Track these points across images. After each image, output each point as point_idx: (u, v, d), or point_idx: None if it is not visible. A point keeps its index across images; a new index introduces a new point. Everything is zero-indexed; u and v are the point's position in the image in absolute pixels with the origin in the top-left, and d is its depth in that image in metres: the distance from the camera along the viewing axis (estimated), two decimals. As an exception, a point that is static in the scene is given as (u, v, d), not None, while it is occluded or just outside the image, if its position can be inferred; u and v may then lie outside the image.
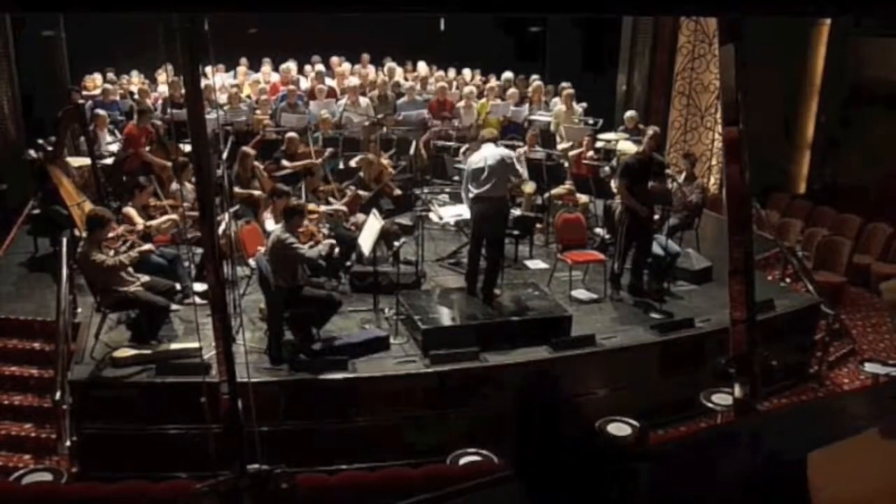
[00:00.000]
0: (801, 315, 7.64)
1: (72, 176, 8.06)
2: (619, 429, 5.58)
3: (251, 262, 6.96)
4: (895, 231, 10.11)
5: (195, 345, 5.63)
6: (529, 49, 14.68)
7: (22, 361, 6.58)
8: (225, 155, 7.88)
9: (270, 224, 7.35)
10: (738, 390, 4.08)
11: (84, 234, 6.45)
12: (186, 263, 7.00)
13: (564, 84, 11.42)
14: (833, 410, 3.02)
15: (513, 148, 8.79)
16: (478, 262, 7.28)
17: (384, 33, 12.84)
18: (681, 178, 8.64)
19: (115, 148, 9.38)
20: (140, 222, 7.05)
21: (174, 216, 7.29)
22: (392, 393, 6.10)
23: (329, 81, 11.77)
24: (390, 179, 8.97)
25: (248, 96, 11.17)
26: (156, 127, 8.91)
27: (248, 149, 8.60)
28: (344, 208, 8.16)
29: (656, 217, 7.79)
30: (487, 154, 7.01)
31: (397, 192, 8.88)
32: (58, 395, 5.54)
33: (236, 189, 8.05)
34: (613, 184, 8.49)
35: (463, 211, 7.84)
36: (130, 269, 6.34)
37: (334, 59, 12.77)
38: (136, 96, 10.91)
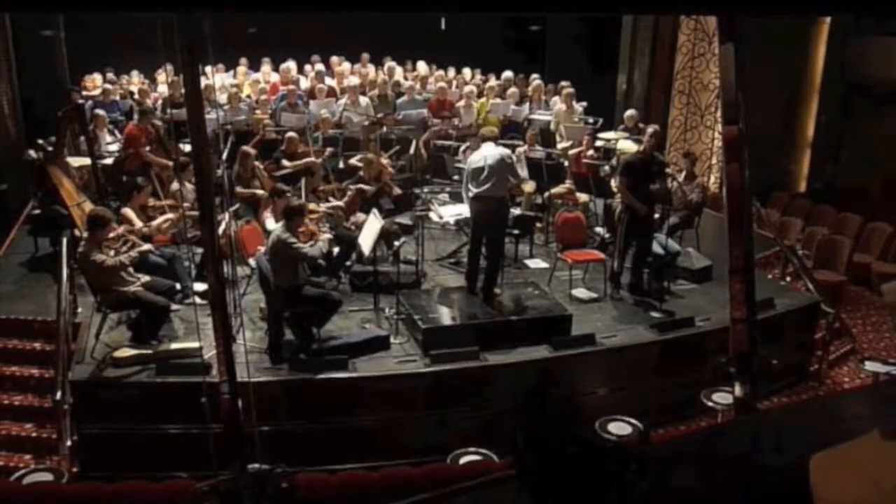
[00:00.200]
0: (801, 314, 7.64)
1: (72, 176, 8.06)
2: (620, 428, 5.59)
3: (251, 261, 6.97)
4: (895, 230, 10.11)
5: (195, 345, 5.63)
6: (529, 48, 14.69)
7: (22, 361, 6.58)
8: (225, 155, 7.89)
9: (271, 223, 7.35)
10: (738, 389, 4.08)
11: (84, 234, 6.45)
12: (186, 263, 7.00)
13: (564, 83, 11.42)
14: (833, 409, 3.02)
15: (513, 147, 8.79)
16: (478, 261, 7.28)
17: (384, 33, 12.84)
18: (681, 177, 8.64)
19: (115, 148, 9.39)
20: (138, 223, 7.05)
21: (171, 216, 7.29)
22: (392, 392, 6.10)
23: (329, 81, 11.77)
24: (390, 179, 8.97)
25: (248, 96, 11.17)
26: (156, 127, 8.91)
27: (248, 148, 8.60)
28: (342, 204, 8.16)
29: (656, 216, 7.79)
30: (488, 153, 7.02)
31: (397, 191, 8.88)
32: (58, 395, 5.54)
33: (237, 189, 8.06)
34: (613, 183, 8.49)
35: (463, 210, 7.84)
36: (131, 269, 6.34)
37: (334, 59, 12.77)
38: (136, 96, 10.91)
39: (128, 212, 7.18)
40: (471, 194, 7.04)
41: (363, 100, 10.79)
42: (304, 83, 11.73)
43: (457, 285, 7.60)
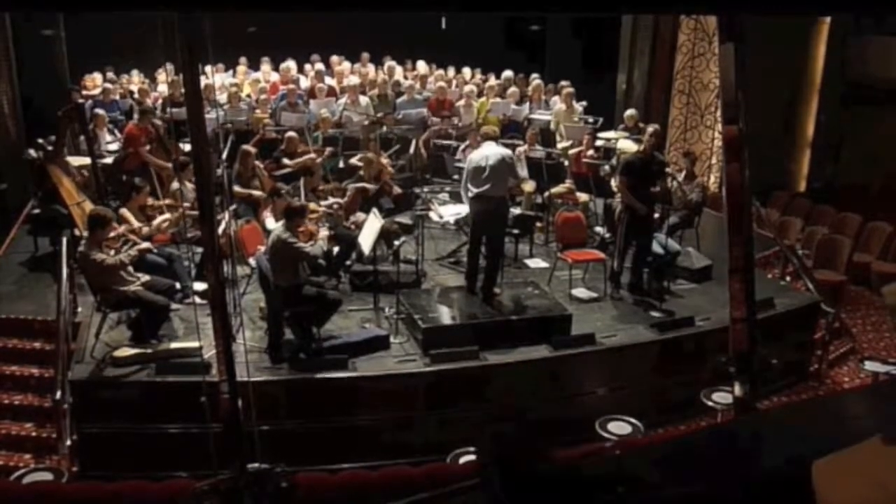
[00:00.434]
0: (801, 313, 7.65)
1: (72, 175, 8.06)
2: (620, 428, 5.59)
3: (251, 261, 6.97)
4: (895, 230, 10.11)
5: (195, 344, 5.63)
6: (529, 48, 14.68)
7: (22, 361, 6.57)
8: (225, 154, 7.89)
9: (271, 223, 7.35)
10: (738, 389, 4.08)
11: (84, 234, 6.45)
12: (186, 263, 6.99)
13: (564, 83, 11.42)
14: (833, 409, 3.02)
15: (513, 147, 8.78)
16: (477, 261, 7.28)
17: (384, 32, 12.83)
18: (681, 177, 8.63)
19: (114, 147, 9.38)
20: (137, 224, 7.04)
21: (170, 216, 7.28)
22: (392, 392, 6.10)
23: (329, 80, 11.76)
24: (390, 178, 8.97)
25: (248, 95, 11.17)
26: (156, 126, 8.90)
27: (248, 147, 8.60)
28: (340, 201, 8.16)
29: (656, 216, 7.79)
30: (489, 153, 7.00)
31: (397, 190, 8.88)
32: (58, 394, 5.55)
33: (236, 188, 8.05)
34: (613, 182, 8.49)
35: (463, 210, 7.84)
36: (130, 269, 6.34)
37: (334, 58, 12.77)
38: (136, 96, 10.91)
39: (125, 213, 7.17)
40: (471, 194, 7.03)
41: (363, 99, 10.79)
42: (304, 82, 11.73)
43: (457, 285, 7.60)
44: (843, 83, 12.49)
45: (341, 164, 9.49)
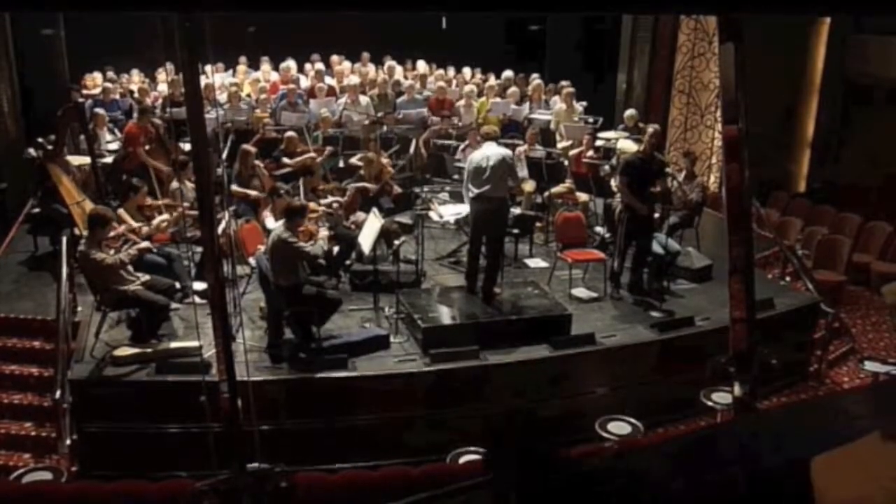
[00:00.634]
0: (800, 313, 7.64)
1: (72, 174, 8.05)
2: (620, 427, 5.60)
3: (251, 260, 6.97)
4: (895, 230, 10.11)
5: (195, 343, 5.63)
6: (529, 48, 14.68)
7: (22, 360, 6.58)
8: (225, 154, 7.89)
9: (271, 223, 7.35)
10: (737, 389, 4.08)
11: (84, 233, 6.45)
12: (186, 262, 6.99)
13: (564, 83, 11.41)
14: (833, 409, 3.02)
15: (513, 147, 8.78)
16: (478, 261, 7.27)
17: (384, 31, 12.83)
18: (681, 177, 8.63)
19: (114, 147, 9.38)
20: (134, 225, 7.03)
21: (167, 216, 7.26)
22: (392, 392, 6.10)
23: (329, 80, 11.76)
24: (390, 178, 8.97)
25: (248, 95, 11.16)
26: (156, 126, 8.90)
27: (248, 147, 8.59)
28: (341, 200, 8.16)
29: (656, 215, 7.79)
30: (490, 153, 6.98)
31: (397, 190, 8.88)
32: (58, 393, 5.55)
33: (234, 187, 8.04)
34: (613, 182, 8.49)
35: (463, 209, 7.83)
36: (130, 268, 6.34)
37: (334, 58, 12.76)
38: (136, 95, 10.90)
39: (122, 213, 7.16)
40: (471, 194, 7.01)
41: (363, 99, 10.79)
42: (304, 82, 11.72)
43: (457, 285, 7.60)
44: (843, 83, 12.49)
45: (341, 164, 9.49)
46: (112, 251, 6.31)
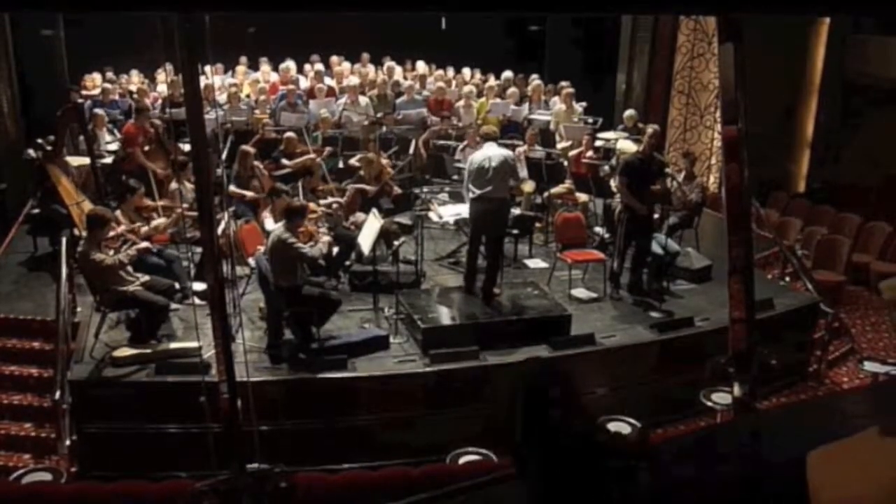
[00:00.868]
0: (800, 314, 7.65)
1: (71, 175, 8.05)
2: (619, 428, 5.59)
3: (251, 261, 6.97)
4: (894, 230, 10.11)
5: (194, 344, 5.63)
6: (529, 48, 14.68)
7: (21, 361, 6.57)
8: (224, 154, 7.88)
9: (269, 224, 7.35)
10: (737, 389, 4.07)
11: (83, 234, 6.44)
12: (186, 263, 6.99)
13: (564, 83, 11.41)
14: (832, 409, 3.02)
15: (512, 147, 8.78)
16: (476, 261, 7.26)
17: (384, 32, 12.83)
18: (680, 177, 8.63)
19: (114, 147, 9.38)
20: (135, 224, 7.02)
21: (162, 220, 7.24)
22: (392, 392, 6.10)
23: (328, 80, 11.76)
24: (390, 178, 8.97)
25: (248, 95, 11.16)
26: (155, 126, 8.90)
27: (248, 147, 8.59)
28: (341, 200, 8.16)
29: (656, 216, 7.79)
30: (491, 154, 6.96)
31: (397, 191, 8.88)
32: (57, 394, 5.54)
33: (232, 188, 8.03)
34: (613, 183, 8.49)
35: (462, 210, 7.82)
36: (130, 269, 6.34)
37: (334, 58, 12.76)
38: (136, 95, 10.90)
39: (118, 215, 7.14)
40: (472, 195, 6.97)
41: (363, 99, 10.79)
42: (304, 83, 11.73)
43: (456, 285, 7.59)
44: (842, 83, 12.49)
45: (341, 165, 9.48)
46: (111, 252, 6.31)
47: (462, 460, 5.02)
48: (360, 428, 6.03)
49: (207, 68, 5.31)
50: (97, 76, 11.79)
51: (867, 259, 10.00)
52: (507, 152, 7.18)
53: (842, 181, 12.29)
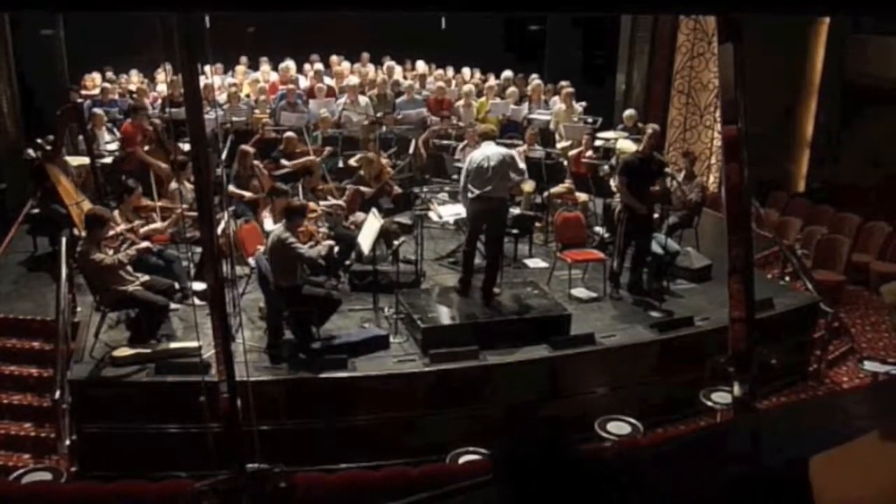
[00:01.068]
0: (800, 313, 7.65)
1: (70, 175, 8.05)
2: (619, 427, 5.60)
3: (250, 261, 6.96)
4: (894, 230, 10.11)
5: (194, 344, 5.63)
6: (529, 48, 14.68)
7: (21, 361, 6.58)
8: (224, 154, 7.87)
9: (269, 224, 7.35)
10: (737, 389, 4.08)
11: (83, 233, 6.44)
12: (185, 263, 6.99)
13: (564, 83, 11.41)
14: (832, 409, 3.02)
15: (512, 147, 8.77)
16: (472, 261, 7.23)
17: (383, 31, 12.83)
18: (680, 177, 8.63)
19: (113, 147, 9.37)
20: (133, 223, 7.02)
21: (158, 225, 7.22)
22: (392, 392, 6.10)
23: (328, 80, 11.75)
24: (390, 178, 8.96)
25: (248, 95, 11.16)
26: (155, 126, 8.90)
27: (247, 147, 8.59)
28: (342, 203, 8.15)
29: (655, 215, 7.79)
30: (490, 153, 6.93)
31: (397, 190, 8.88)
32: (57, 394, 5.55)
33: (231, 188, 8.02)
34: (613, 182, 8.49)
35: (462, 210, 7.82)
36: (129, 268, 6.34)
37: (333, 58, 12.76)
38: (136, 95, 10.90)
39: (116, 215, 7.13)
40: (471, 195, 6.93)
41: (362, 99, 10.78)
42: (304, 82, 11.72)
43: (456, 285, 7.59)
44: (842, 83, 12.49)
45: (341, 164, 9.48)
46: (111, 251, 6.31)
47: (462, 460, 5.03)
48: (359, 428, 6.04)
49: (207, 68, 5.31)
50: (97, 76, 11.78)
51: (867, 259, 10.00)
52: (505, 151, 7.15)
53: (841, 181, 12.29)
